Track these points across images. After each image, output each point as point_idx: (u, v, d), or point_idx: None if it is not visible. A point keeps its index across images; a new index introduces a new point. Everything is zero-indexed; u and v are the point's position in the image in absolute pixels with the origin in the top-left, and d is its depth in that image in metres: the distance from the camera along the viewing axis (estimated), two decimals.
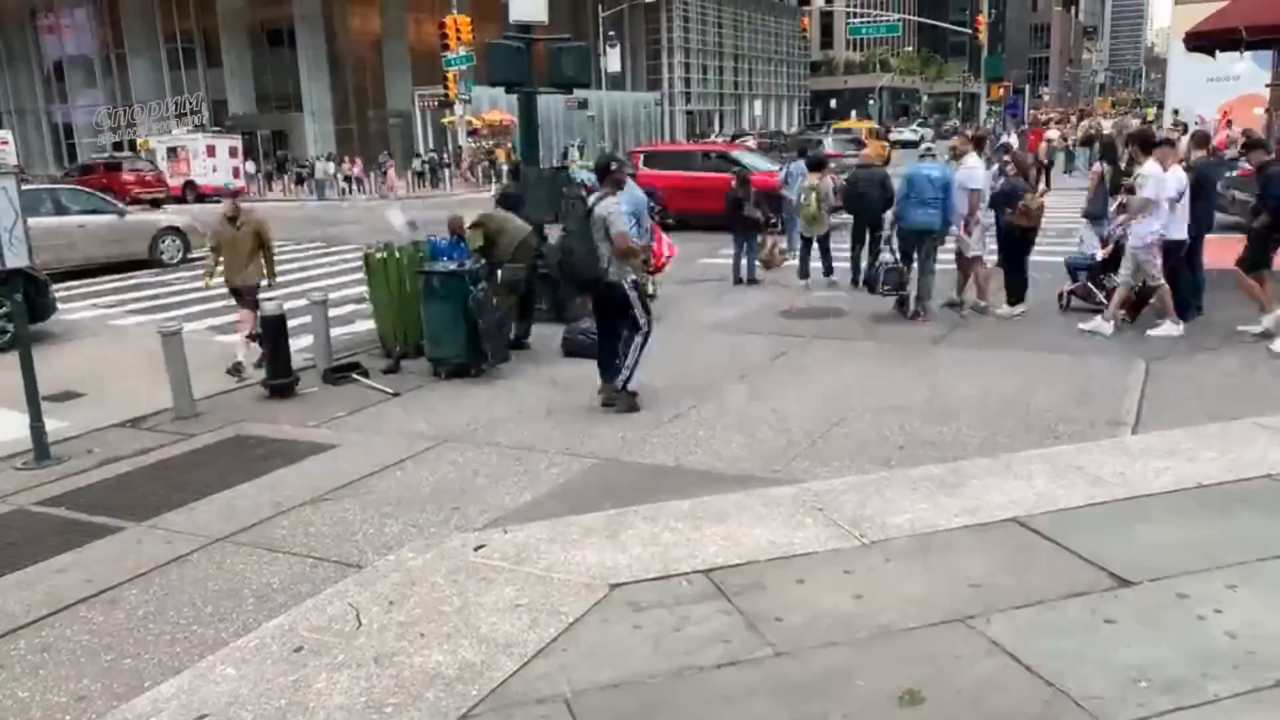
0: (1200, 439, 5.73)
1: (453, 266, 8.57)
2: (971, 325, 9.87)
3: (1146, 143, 9.17)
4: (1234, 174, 13.71)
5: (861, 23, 66.16)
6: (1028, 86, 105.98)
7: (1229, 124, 26.30)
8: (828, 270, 12.50)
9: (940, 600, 3.90)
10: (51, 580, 4.86)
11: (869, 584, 4.09)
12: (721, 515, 4.85)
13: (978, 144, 11.39)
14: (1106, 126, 33.68)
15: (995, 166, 11.41)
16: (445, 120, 38.79)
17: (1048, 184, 21.65)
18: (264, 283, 9.24)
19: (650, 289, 10.26)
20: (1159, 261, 8.67)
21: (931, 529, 4.59)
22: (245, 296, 9.13)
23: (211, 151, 38.05)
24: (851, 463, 5.99)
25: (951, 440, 6.33)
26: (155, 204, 29.38)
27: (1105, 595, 3.89)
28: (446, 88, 34.47)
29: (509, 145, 33.51)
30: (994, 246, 10.32)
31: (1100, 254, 9.88)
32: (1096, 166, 12.12)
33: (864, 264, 11.67)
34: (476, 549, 4.58)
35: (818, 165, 12.68)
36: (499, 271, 9.30)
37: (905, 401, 7.24)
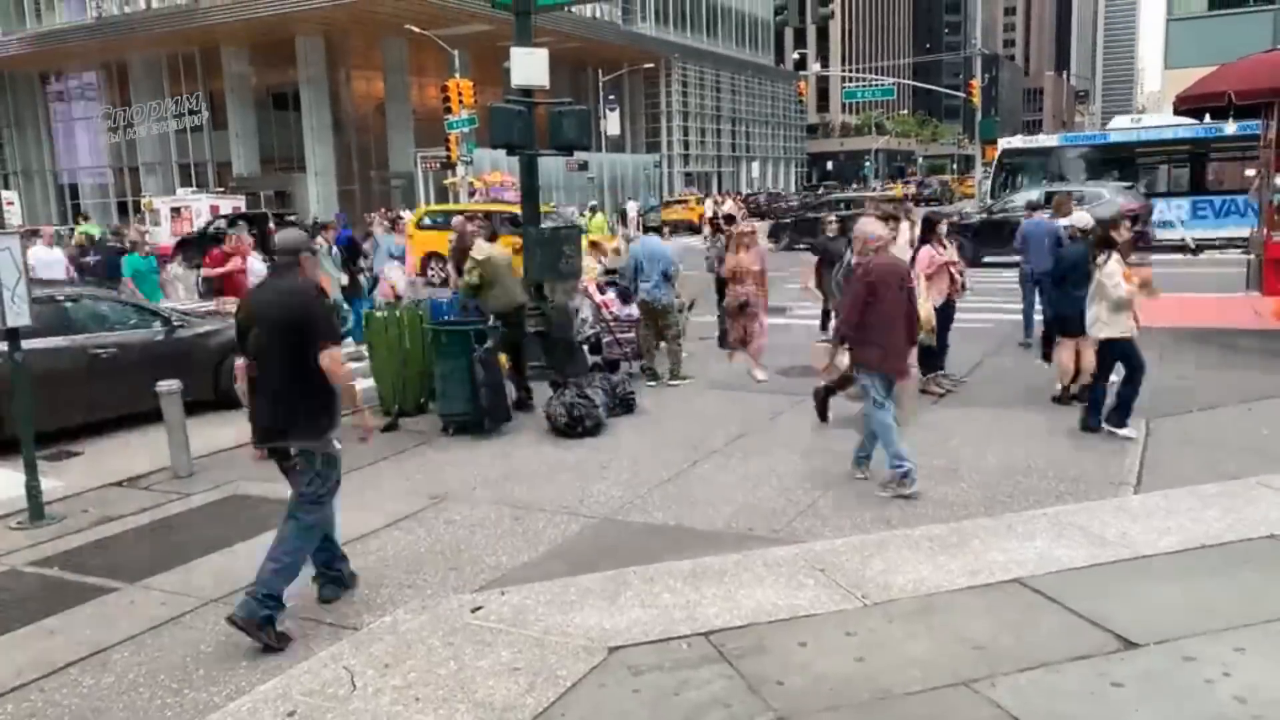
0: (1202, 498, 5.70)
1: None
2: (971, 385, 9.86)
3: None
4: None
5: (857, 87, 67.37)
6: None
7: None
8: None
9: (943, 662, 3.84)
10: (42, 642, 4.79)
11: (871, 646, 4.03)
12: (721, 576, 4.80)
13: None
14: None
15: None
16: (447, 182, 39.23)
17: None
18: None
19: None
20: None
21: (934, 590, 4.55)
22: None
23: (215, 212, 38.46)
24: (852, 522, 5.94)
25: (953, 499, 6.30)
26: None
27: (1111, 657, 3.84)
28: (449, 149, 34.91)
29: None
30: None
31: None
32: None
33: None
34: (473, 611, 4.53)
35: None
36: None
37: None
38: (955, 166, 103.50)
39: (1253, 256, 13.23)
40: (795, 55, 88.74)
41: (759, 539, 5.63)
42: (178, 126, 53.60)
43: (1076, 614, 4.23)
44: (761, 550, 5.22)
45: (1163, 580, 4.59)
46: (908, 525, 5.70)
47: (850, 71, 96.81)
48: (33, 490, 6.70)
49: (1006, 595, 4.50)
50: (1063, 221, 9.73)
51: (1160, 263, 20.32)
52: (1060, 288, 8.73)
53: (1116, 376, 7.67)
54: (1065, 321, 8.65)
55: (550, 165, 33.50)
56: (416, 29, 37.87)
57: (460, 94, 32.58)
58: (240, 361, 6.40)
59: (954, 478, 6.74)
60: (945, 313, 9.31)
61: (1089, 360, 8.27)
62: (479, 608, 4.55)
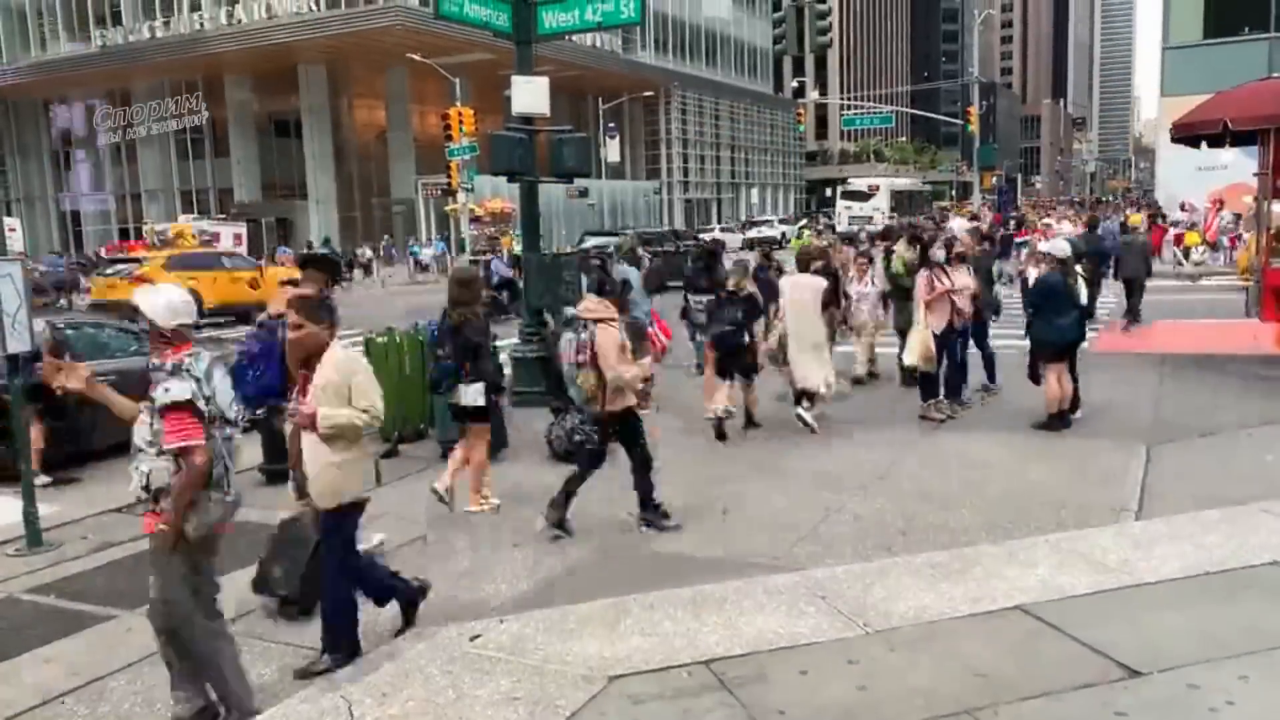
0: (1205, 525, 5.68)
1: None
2: (973, 411, 9.85)
3: None
4: None
5: (855, 114, 67.80)
6: (1020, 175, 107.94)
7: (1218, 212, 26.74)
8: None
9: (945, 691, 3.81)
10: (39, 671, 4.76)
11: (873, 674, 4.00)
12: (722, 603, 4.77)
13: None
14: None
15: None
16: (448, 209, 39.39)
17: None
18: None
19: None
20: None
21: (936, 617, 4.52)
22: None
23: (216, 238, 38.60)
24: (853, 549, 5.92)
25: (954, 526, 6.27)
26: None
27: (1115, 686, 3.81)
28: (450, 176, 35.08)
29: (511, 233, 34.10)
30: None
31: None
32: None
33: None
34: (472, 639, 4.50)
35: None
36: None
37: (906, 487, 7.19)
38: (954, 193, 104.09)
39: (1252, 283, 13.26)
40: (794, 83, 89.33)
41: (759, 566, 5.61)
42: (178, 127, 53.87)
43: (1079, 642, 4.20)
44: (762, 578, 5.19)
45: (1166, 607, 4.56)
46: (909, 552, 5.67)
47: (849, 99, 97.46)
48: (30, 516, 6.68)
49: (1009, 623, 4.47)
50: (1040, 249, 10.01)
51: (1161, 289, 20.38)
52: (1039, 315, 8.79)
53: None
54: (1047, 348, 8.69)
55: (551, 192, 33.62)
56: (418, 58, 38.18)
57: (461, 121, 32.80)
58: None
59: (955, 504, 6.71)
60: (945, 340, 9.30)
61: (1068, 386, 8.67)
62: (477, 636, 4.52)
